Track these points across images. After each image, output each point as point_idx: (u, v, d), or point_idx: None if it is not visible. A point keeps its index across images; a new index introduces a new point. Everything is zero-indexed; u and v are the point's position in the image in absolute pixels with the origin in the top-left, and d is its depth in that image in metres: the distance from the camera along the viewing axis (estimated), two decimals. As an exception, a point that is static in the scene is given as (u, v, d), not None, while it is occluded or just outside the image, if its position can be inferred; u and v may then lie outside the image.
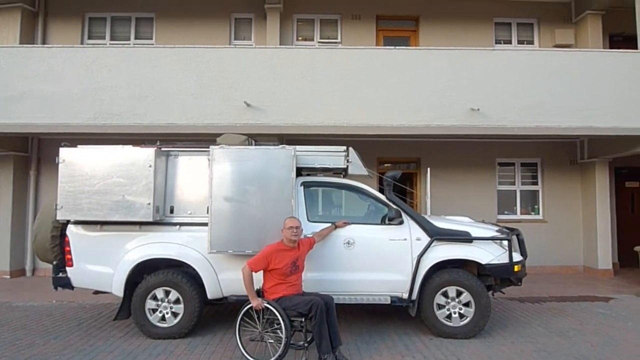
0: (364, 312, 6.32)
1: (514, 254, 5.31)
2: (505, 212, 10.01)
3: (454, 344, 5.06)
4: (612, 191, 9.87)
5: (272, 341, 4.47)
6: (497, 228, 5.65)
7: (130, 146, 5.30)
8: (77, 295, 6.18)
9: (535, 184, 10.17)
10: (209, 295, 5.30)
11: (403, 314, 5.96)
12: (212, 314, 6.32)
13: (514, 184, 10.13)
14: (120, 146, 5.28)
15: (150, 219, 5.10)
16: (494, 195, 9.93)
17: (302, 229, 4.73)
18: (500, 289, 5.66)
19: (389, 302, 5.22)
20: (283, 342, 4.31)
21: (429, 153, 9.75)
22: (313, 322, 4.29)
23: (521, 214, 10.05)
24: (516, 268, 5.31)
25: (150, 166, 5.12)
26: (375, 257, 5.25)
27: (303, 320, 4.38)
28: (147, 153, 5.16)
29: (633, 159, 9.59)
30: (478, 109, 7.85)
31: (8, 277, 9.08)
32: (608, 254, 9.37)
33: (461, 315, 5.23)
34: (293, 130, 7.87)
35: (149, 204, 5.09)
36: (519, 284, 5.57)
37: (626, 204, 10.49)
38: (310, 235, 5.07)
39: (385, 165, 10.18)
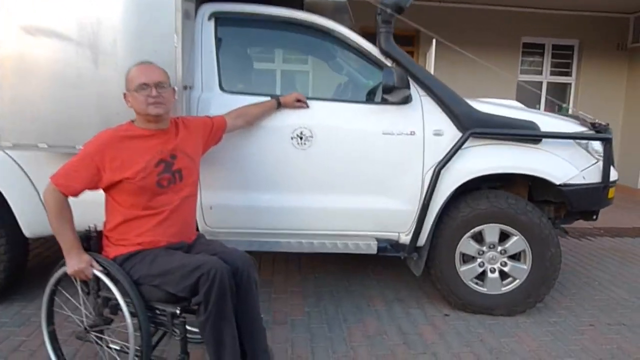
0: (326, 255, 3.91)
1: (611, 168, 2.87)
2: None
3: (489, 327, 2.74)
4: (666, 87, 7.46)
5: (116, 347, 2.00)
6: (577, 120, 3.12)
7: None
8: None
9: (568, 74, 7.63)
10: (28, 232, 2.74)
11: (394, 262, 3.58)
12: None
13: (541, 73, 7.57)
14: None
15: None
16: (513, 86, 7.35)
17: (173, 89, 2.05)
18: (562, 226, 3.30)
19: (374, 250, 2.76)
20: (131, 355, 1.86)
21: (432, 24, 6.88)
22: (202, 315, 1.80)
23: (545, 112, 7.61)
24: (611, 193, 2.91)
25: None
26: (353, 166, 2.70)
27: (179, 311, 1.87)
28: None
29: None
30: None
31: None
32: (653, 170, 7.20)
33: (504, 275, 2.88)
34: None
35: None
36: (595, 218, 3.17)
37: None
38: (218, 116, 2.44)
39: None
